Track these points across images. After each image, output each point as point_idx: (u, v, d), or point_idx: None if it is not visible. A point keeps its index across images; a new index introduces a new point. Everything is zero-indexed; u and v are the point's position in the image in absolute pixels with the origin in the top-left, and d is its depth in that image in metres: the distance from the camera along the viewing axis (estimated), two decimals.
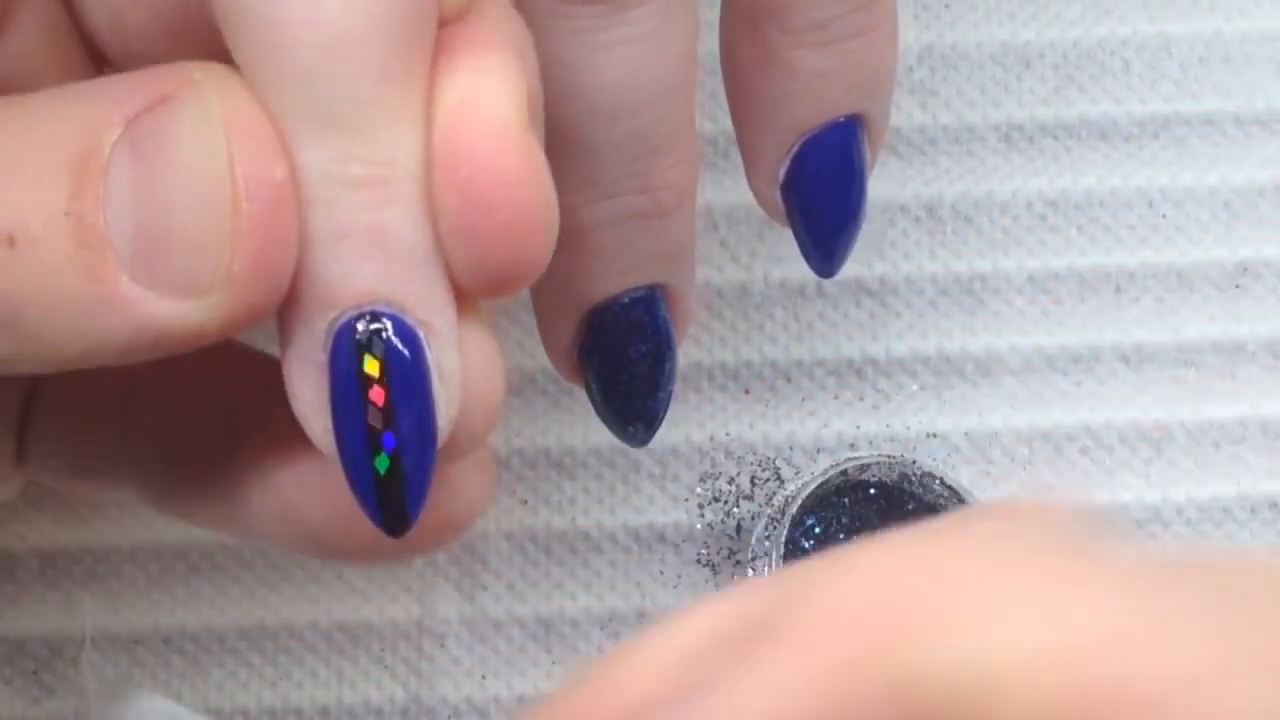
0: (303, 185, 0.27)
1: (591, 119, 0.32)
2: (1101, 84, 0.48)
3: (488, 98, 0.27)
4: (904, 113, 0.47)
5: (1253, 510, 0.45)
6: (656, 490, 0.45)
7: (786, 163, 0.36)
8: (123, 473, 0.33)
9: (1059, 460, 0.45)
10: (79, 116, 0.27)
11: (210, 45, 0.28)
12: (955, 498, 0.43)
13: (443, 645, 0.44)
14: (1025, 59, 0.48)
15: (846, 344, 0.46)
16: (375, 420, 0.27)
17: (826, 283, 0.46)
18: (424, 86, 0.27)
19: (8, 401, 0.32)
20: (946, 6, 0.48)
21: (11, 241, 0.26)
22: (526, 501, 0.45)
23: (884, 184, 0.47)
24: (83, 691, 0.43)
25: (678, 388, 0.45)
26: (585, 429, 0.45)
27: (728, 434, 0.45)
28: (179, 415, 0.32)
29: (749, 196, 0.46)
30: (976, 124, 0.47)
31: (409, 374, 0.27)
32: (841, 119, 0.36)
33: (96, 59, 0.31)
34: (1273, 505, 0.45)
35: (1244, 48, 0.48)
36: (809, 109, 0.35)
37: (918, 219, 0.47)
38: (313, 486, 0.30)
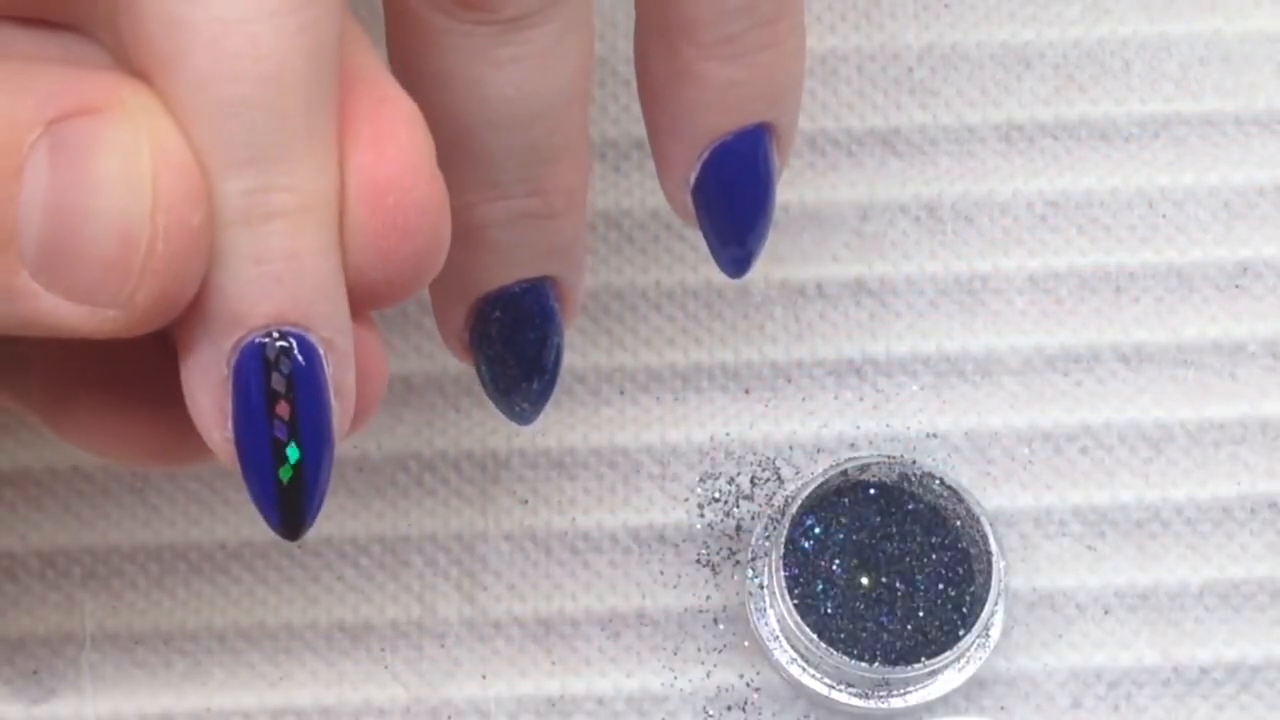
0: (221, 210, 0.28)
1: (487, 129, 0.34)
2: (1101, 84, 0.48)
3: (401, 129, 0.29)
4: (904, 113, 0.47)
5: (1253, 510, 0.45)
6: (656, 490, 0.45)
7: (697, 168, 0.37)
8: (5, 378, 0.34)
9: (1059, 460, 0.45)
10: (1, 109, 0.27)
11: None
12: (955, 498, 0.43)
13: (443, 645, 0.44)
14: (1025, 59, 0.48)
15: (846, 344, 0.46)
16: (280, 433, 0.29)
17: (826, 283, 0.46)
18: (335, 119, 0.29)
19: None
20: (946, 6, 0.48)
21: None
22: (526, 501, 0.45)
23: (884, 184, 0.47)
24: (83, 691, 0.43)
25: (678, 387, 0.45)
26: (585, 429, 0.45)
27: (728, 434, 0.45)
28: (50, 346, 0.33)
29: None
30: (976, 124, 0.47)
31: (312, 390, 0.29)
32: (750, 127, 0.37)
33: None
34: (1272, 505, 0.45)
35: (1244, 48, 0.48)
36: (718, 118, 0.37)
37: (918, 219, 0.47)
38: (136, 427, 0.32)
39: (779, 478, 0.45)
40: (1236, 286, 0.46)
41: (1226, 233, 0.47)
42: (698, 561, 0.45)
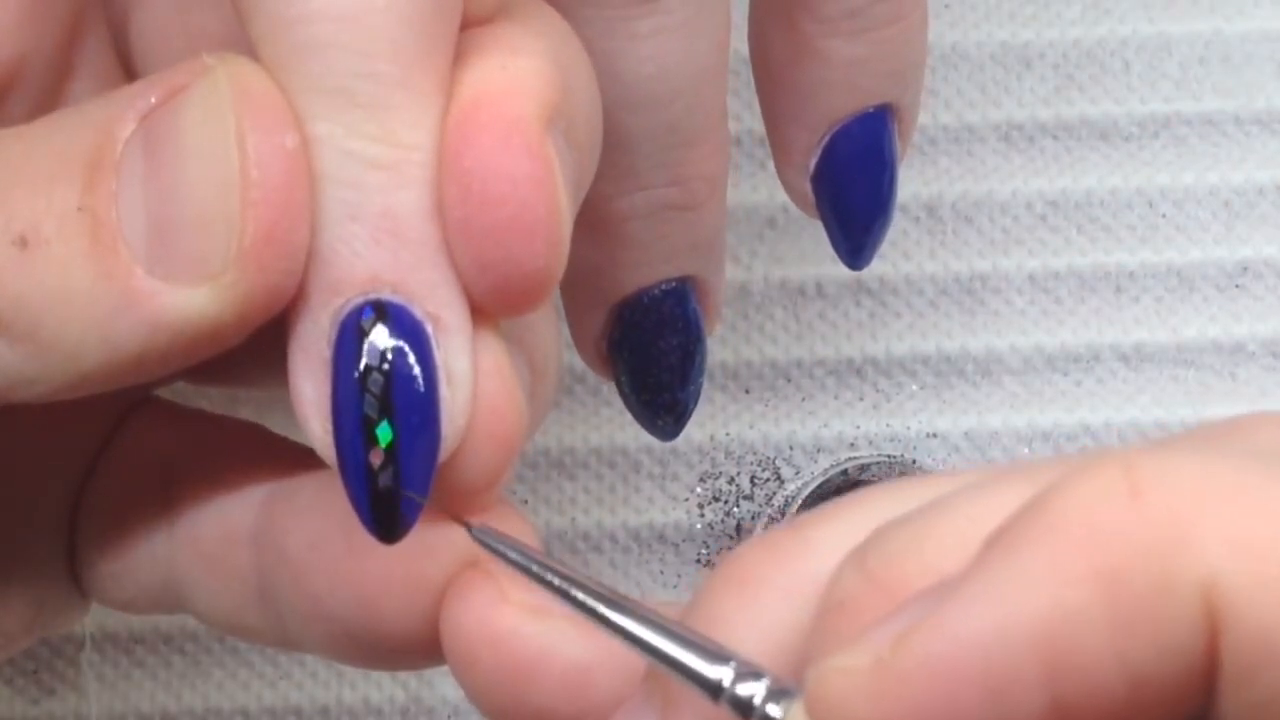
0: (314, 160, 0.25)
1: (625, 109, 0.32)
2: (1101, 84, 0.48)
3: (507, 92, 0.26)
4: None
5: None
6: (656, 490, 0.45)
7: (817, 153, 0.36)
8: (162, 577, 0.31)
9: None
10: (95, 119, 0.26)
11: None
12: None
13: None
14: (1025, 59, 0.48)
15: (846, 344, 0.46)
16: (371, 409, 0.25)
17: (826, 283, 0.46)
18: (444, 75, 0.26)
19: (54, 508, 0.31)
20: (946, 6, 0.48)
21: (24, 243, 0.25)
22: (526, 501, 0.45)
23: None
24: (83, 691, 0.43)
25: None
26: (585, 429, 0.45)
27: (728, 434, 0.45)
28: (210, 504, 0.30)
29: (750, 197, 0.46)
30: (976, 124, 0.47)
31: (413, 366, 0.26)
32: (872, 109, 0.35)
33: None
34: None
35: (1244, 48, 0.48)
36: (842, 98, 0.35)
37: (918, 219, 0.47)
38: (342, 568, 0.28)
39: (779, 478, 0.45)
40: (1236, 286, 0.46)
41: (1226, 233, 0.47)
42: (698, 561, 0.45)
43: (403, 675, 0.44)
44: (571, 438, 0.45)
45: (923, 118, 0.47)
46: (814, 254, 0.46)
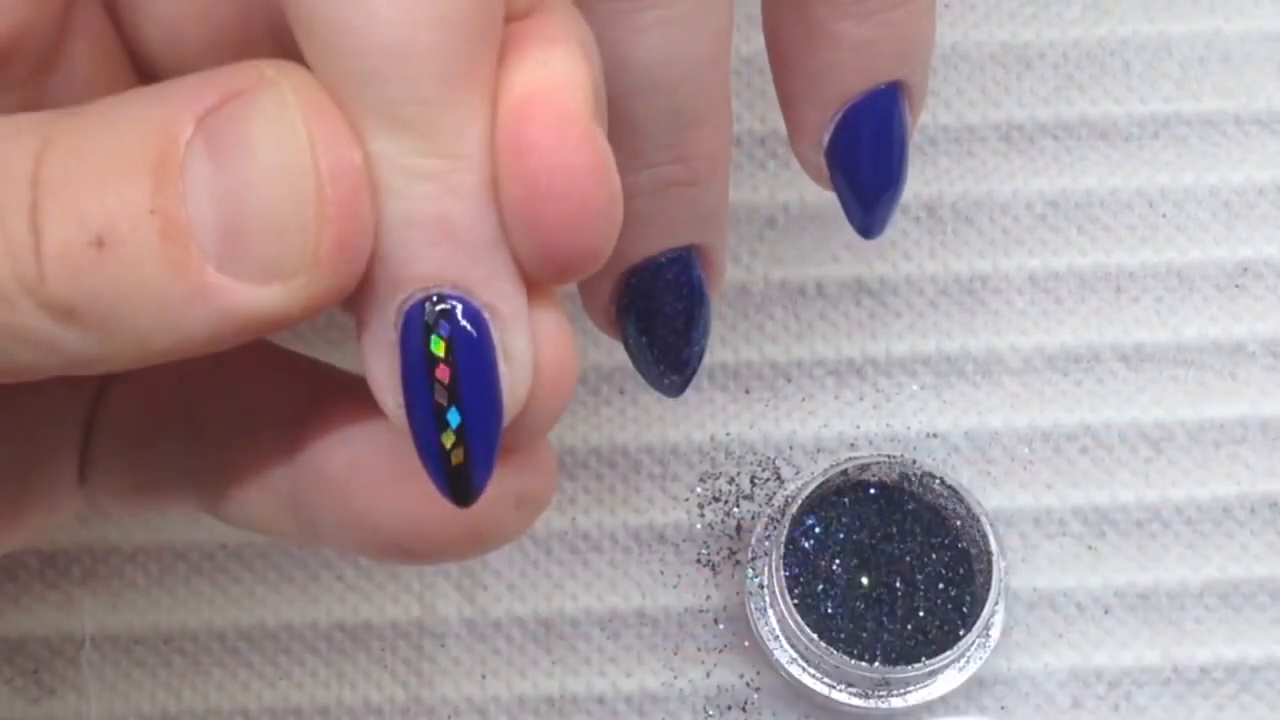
0: (373, 174, 0.28)
1: (631, 95, 0.34)
2: (1101, 84, 0.48)
3: (554, 89, 0.28)
4: None
5: (1253, 510, 0.45)
6: (656, 490, 0.45)
7: (830, 128, 0.37)
8: (182, 484, 0.34)
9: (1059, 460, 0.45)
10: (152, 119, 0.28)
11: (268, 56, 0.29)
12: (955, 498, 0.43)
13: (443, 645, 0.44)
14: (1025, 59, 0.48)
15: (846, 344, 0.46)
16: (441, 397, 0.28)
17: (826, 283, 0.46)
18: (488, 83, 0.28)
19: (72, 419, 0.33)
20: (946, 6, 0.48)
21: (100, 243, 0.27)
22: None
23: None
24: (83, 691, 0.43)
25: None
26: (585, 429, 0.45)
27: (728, 434, 0.45)
28: (237, 424, 0.33)
29: (750, 197, 0.46)
30: (976, 124, 0.47)
31: (474, 353, 0.28)
32: (883, 85, 0.37)
33: (147, 77, 0.31)
34: (1273, 505, 0.45)
35: (1244, 48, 0.48)
36: (853, 78, 0.37)
37: (918, 219, 0.47)
38: (384, 491, 0.31)
39: (779, 478, 0.45)
40: (1236, 286, 0.46)
41: (1226, 233, 0.47)
42: (698, 561, 0.45)
43: (403, 675, 0.44)
44: (572, 438, 0.45)
45: (923, 117, 0.47)
46: (814, 254, 0.46)
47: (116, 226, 0.27)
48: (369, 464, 0.31)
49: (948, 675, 0.43)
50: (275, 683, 0.44)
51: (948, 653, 0.42)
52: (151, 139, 0.27)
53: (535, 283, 0.29)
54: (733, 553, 0.44)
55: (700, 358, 0.38)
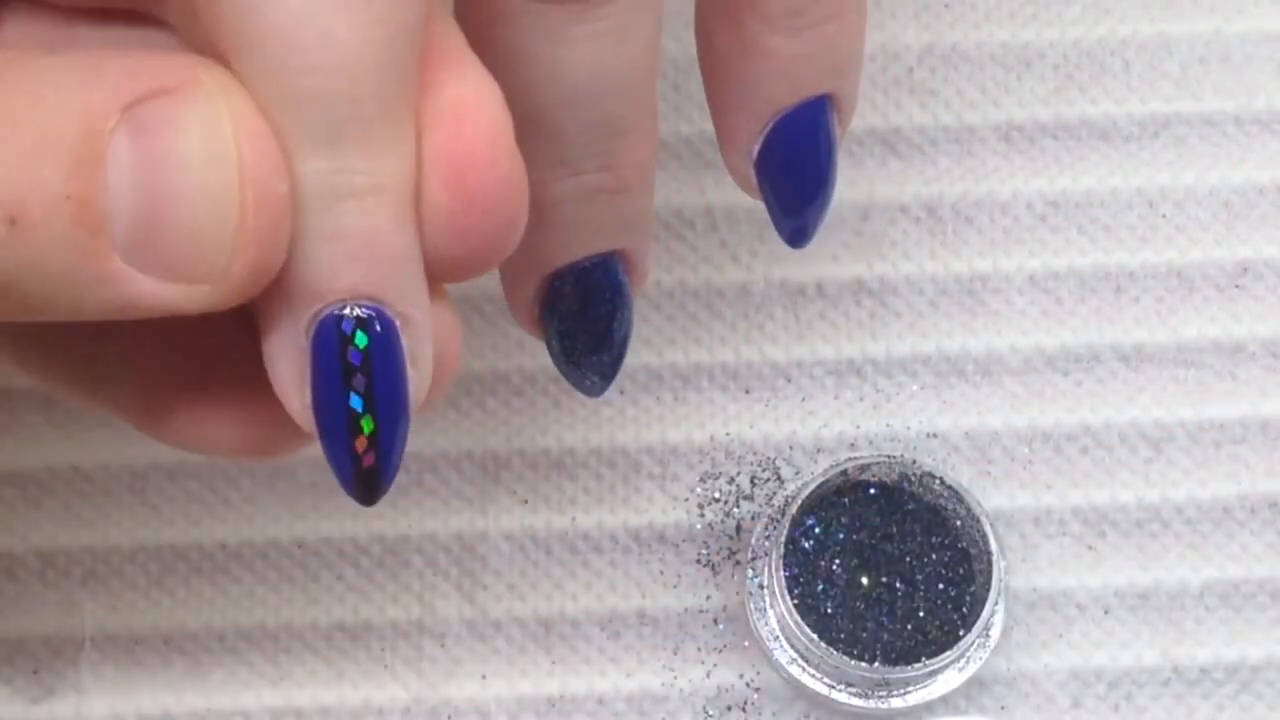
0: (300, 190, 0.28)
1: (560, 105, 0.34)
2: (1101, 84, 0.48)
3: (480, 107, 0.29)
4: (904, 113, 0.47)
5: (1253, 510, 0.45)
6: (656, 490, 0.45)
7: (760, 140, 0.38)
8: (100, 387, 0.34)
9: (1059, 460, 0.45)
10: (77, 100, 0.28)
11: None
12: (955, 498, 0.43)
13: (443, 645, 0.44)
14: (1025, 59, 0.48)
15: (846, 344, 0.46)
16: (356, 404, 0.29)
17: (826, 283, 0.46)
18: (413, 99, 0.29)
19: None
20: (946, 6, 0.48)
21: (12, 221, 0.27)
22: (526, 501, 0.45)
23: (884, 184, 0.47)
24: (83, 691, 0.43)
25: (678, 387, 0.45)
26: (585, 429, 0.45)
27: (728, 434, 0.45)
28: (144, 352, 0.34)
29: (751, 197, 0.46)
30: (976, 124, 0.47)
31: (389, 362, 0.29)
32: (813, 98, 0.37)
33: None
34: (1273, 505, 0.45)
35: (1244, 48, 0.48)
36: (783, 90, 0.37)
37: (918, 219, 0.47)
38: (229, 424, 0.33)
39: (779, 478, 0.45)
40: (1236, 286, 0.46)
41: (1226, 233, 0.47)
42: (698, 561, 0.45)
43: (404, 675, 0.44)
44: (571, 438, 0.45)
45: (923, 118, 0.47)
46: (814, 254, 0.46)
47: (29, 209, 0.27)
48: (226, 403, 0.33)
49: (947, 675, 0.43)
50: (275, 683, 0.44)
51: (948, 653, 0.42)
52: (74, 120, 0.27)
53: (437, 282, 0.30)
54: (733, 553, 0.44)
55: (621, 359, 0.39)
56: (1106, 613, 0.44)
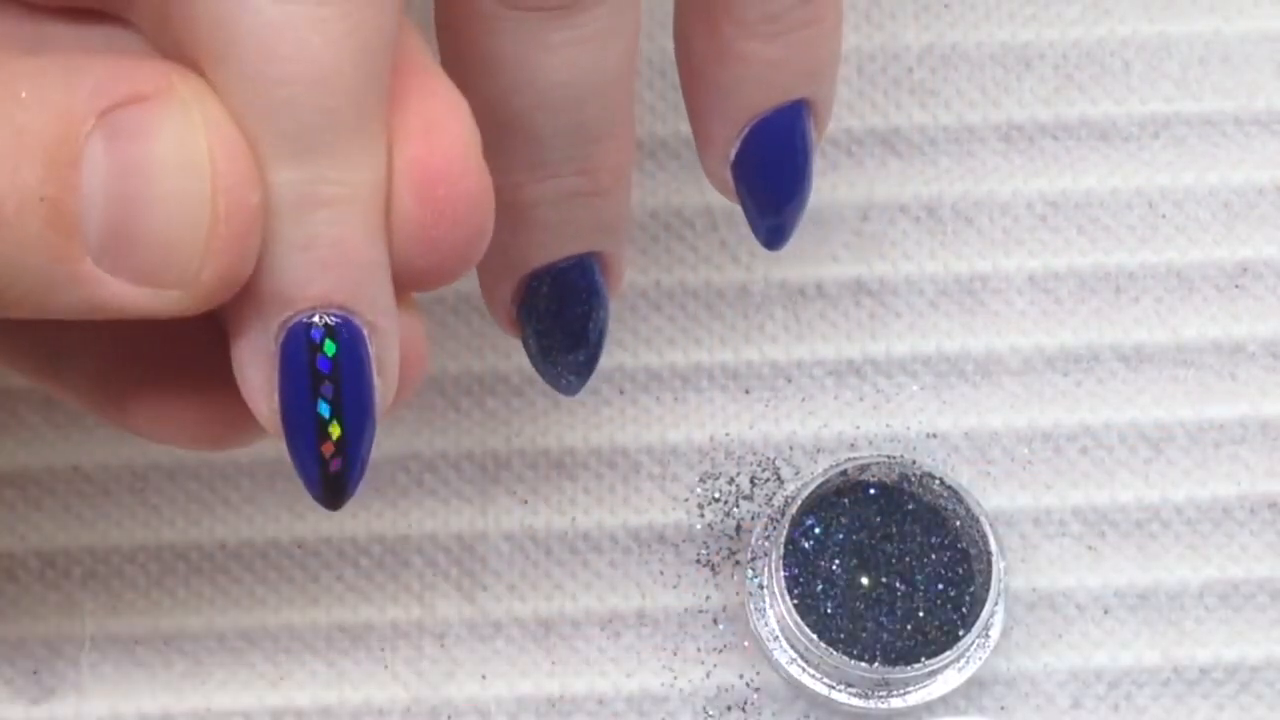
0: (272, 199, 0.29)
1: (538, 110, 0.34)
2: (1101, 84, 0.48)
3: (451, 121, 0.30)
4: (904, 113, 0.47)
5: (1253, 510, 0.45)
6: (656, 490, 0.45)
7: (737, 143, 0.38)
8: (60, 374, 0.35)
9: (1059, 460, 0.45)
10: (55, 102, 0.28)
11: None
12: (955, 498, 0.43)
13: (443, 645, 0.44)
14: (1025, 59, 0.48)
15: (846, 344, 0.46)
16: (324, 410, 0.30)
17: (826, 283, 0.46)
18: (385, 110, 0.29)
19: None
20: (946, 6, 0.48)
21: None
22: (526, 501, 0.45)
23: (884, 184, 0.47)
24: (83, 691, 0.43)
25: (678, 387, 0.45)
26: (585, 429, 0.45)
27: (728, 434, 0.45)
28: (105, 342, 0.34)
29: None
30: (976, 124, 0.47)
31: (357, 370, 0.30)
32: (789, 103, 0.38)
33: None
34: (1272, 505, 0.45)
35: (1244, 48, 0.48)
36: (760, 95, 0.37)
37: (918, 219, 0.47)
38: (188, 416, 0.33)
39: (779, 478, 0.45)
40: (1236, 286, 0.46)
41: (1226, 233, 0.47)
42: (698, 561, 0.45)
43: (404, 675, 0.44)
44: (571, 438, 0.45)
45: (923, 118, 0.47)
46: (814, 254, 0.46)
47: (4, 206, 0.27)
48: (186, 394, 0.33)
49: (947, 675, 0.43)
50: (276, 683, 0.44)
51: (947, 653, 0.42)
52: (51, 122, 0.28)
53: (405, 290, 0.31)
54: (733, 553, 0.44)
55: (596, 358, 0.39)
56: (1106, 613, 0.44)
